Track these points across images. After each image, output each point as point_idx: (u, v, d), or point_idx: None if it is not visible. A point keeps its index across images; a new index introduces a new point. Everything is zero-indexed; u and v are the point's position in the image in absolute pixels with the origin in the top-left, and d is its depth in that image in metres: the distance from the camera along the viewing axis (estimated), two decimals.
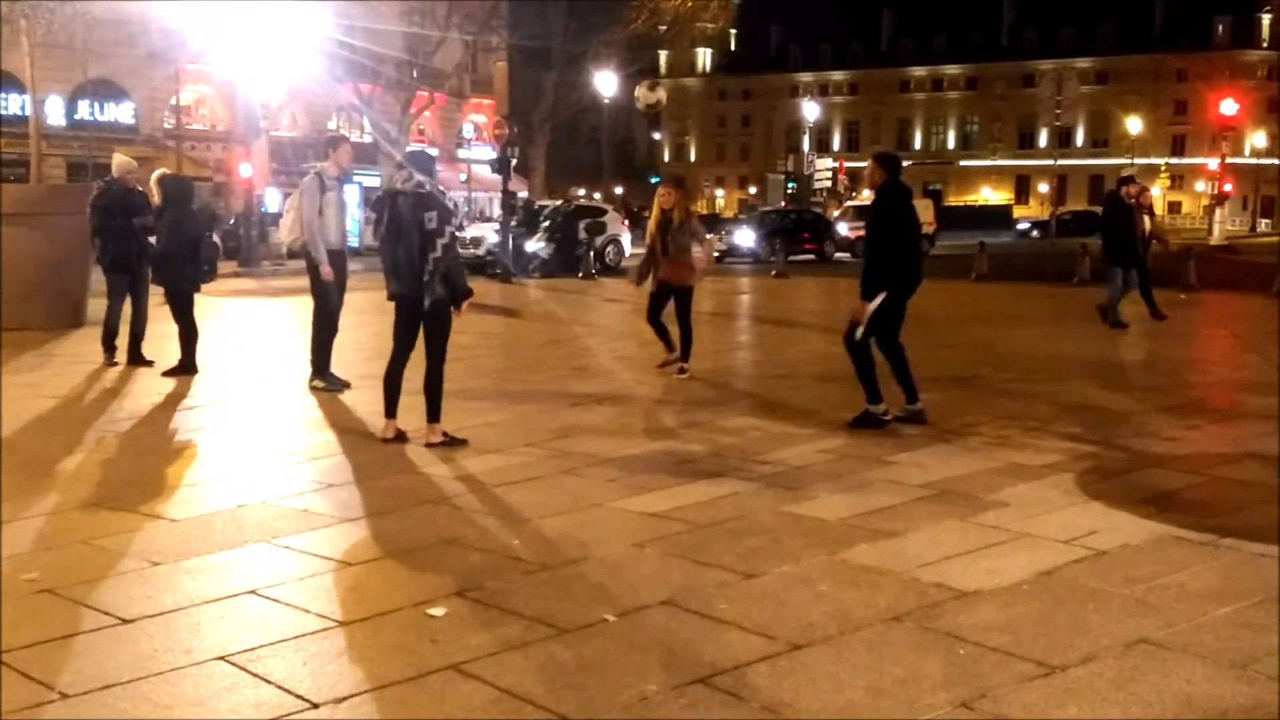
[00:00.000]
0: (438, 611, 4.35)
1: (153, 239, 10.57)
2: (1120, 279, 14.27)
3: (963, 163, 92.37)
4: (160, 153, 37.53)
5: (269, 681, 3.76)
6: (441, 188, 7.32)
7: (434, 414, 7.33)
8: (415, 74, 41.62)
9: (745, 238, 35.13)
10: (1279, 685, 3.65)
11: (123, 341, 10.84)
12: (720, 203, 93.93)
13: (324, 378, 9.44)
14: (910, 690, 3.65)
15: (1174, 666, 3.81)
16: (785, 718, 3.48)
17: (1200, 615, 4.27)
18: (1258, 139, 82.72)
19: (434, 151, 48.78)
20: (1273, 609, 4.33)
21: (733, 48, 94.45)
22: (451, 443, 7.25)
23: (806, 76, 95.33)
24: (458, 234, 7.19)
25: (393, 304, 7.39)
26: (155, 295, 10.82)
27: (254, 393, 9.71)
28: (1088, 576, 4.73)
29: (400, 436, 7.39)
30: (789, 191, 52.36)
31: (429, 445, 7.21)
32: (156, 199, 10.53)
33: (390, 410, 7.45)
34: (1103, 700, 3.57)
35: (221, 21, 30.93)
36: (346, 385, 9.36)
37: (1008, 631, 4.12)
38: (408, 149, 8.17)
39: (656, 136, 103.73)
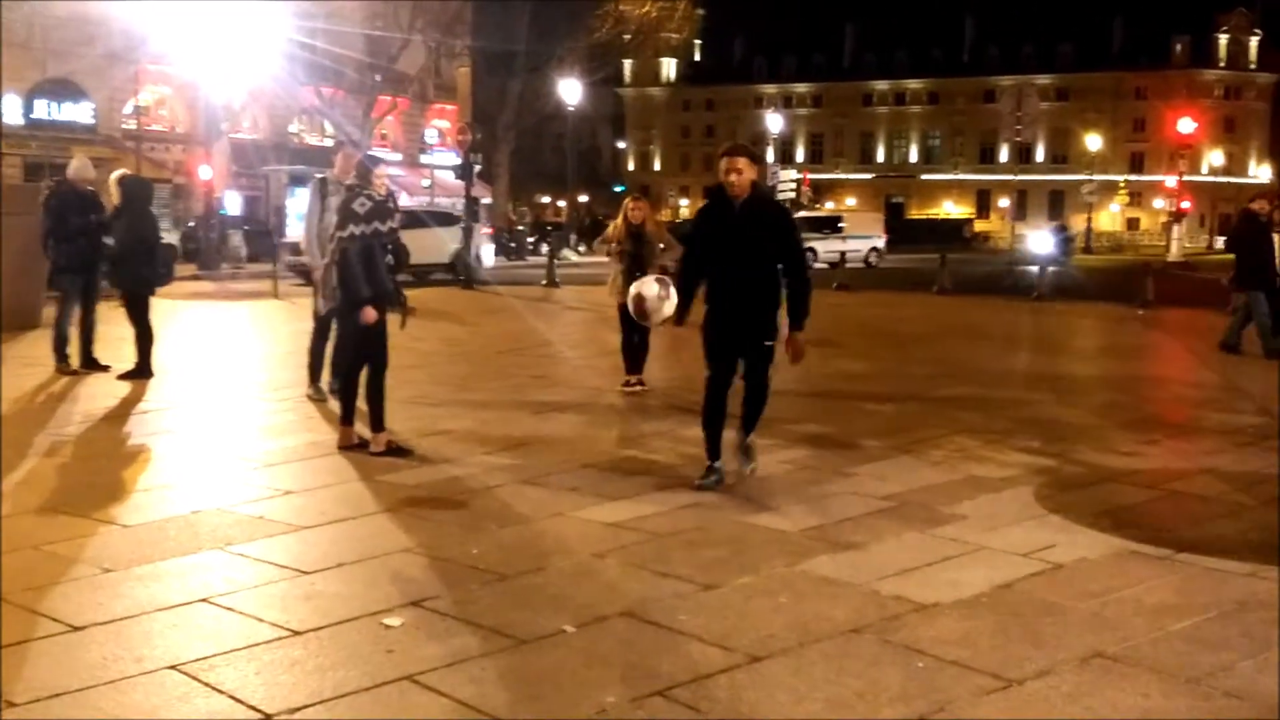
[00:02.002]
0: (394, 621, 4.30)
1: (107, 239, 10.42)
2: (1261, 304, 12.83)
3: (924, 176, 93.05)
4: (119, 153, 37.01)
5: (221, 691, 3.70)
6: (378, 193, 7.17)
7: (375, 423, 7.24)
8: (378, 78, 41.43)
9: None
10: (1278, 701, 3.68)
11: (75, 348, 10.68)
12: (685, 213, 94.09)
13: (314, 385, 9.24)
14: (869, 703, 3.65)
15: (1130, 681, 3.83)
16: None
17: (1156, 630, 4.29)
18: (1215, 157, 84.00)
19: (397, 156, 48.28)
20: (1228, 623, 4.37)
21: (697, 58, 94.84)
22: (395, 453, 7.14)
23: (770, 88, 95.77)
24: (359, 236, 6.99)
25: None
26: (113, 297, 10.67)
27: (211, 397, 9.60)
28: (1045, 590, 4.75)
29: (360, 444, 7.30)
30: None
31: (372, 454, 7.14)
32: (116, 199, 10.40)
33: (346, 417, 7.39)
34: (1059, 714, 3.59)
35: (183, 23, 30.65)
36: (323, 399, 9.19)
37: (966, 645, 4.13)
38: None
39: (621, 146, 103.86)
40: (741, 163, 6.27)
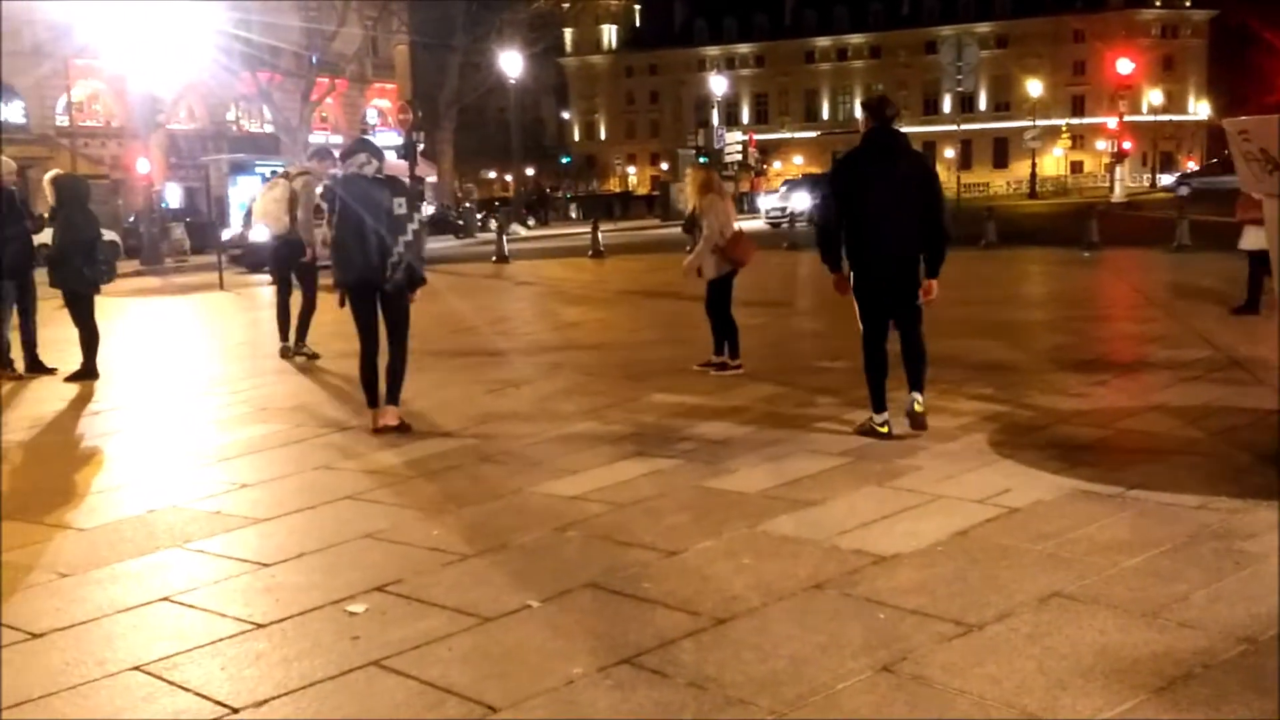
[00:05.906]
0: (357, 608, 4.29)
1: (38, 240, 10.26)
2: None
3: None
4: (53, 151, 36.37)
5: (186, 689, 3.68)
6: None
7: (394, 397, 7.36)
8: (315, 60, 40.89)
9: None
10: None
11: (18, 352, 10.51)
12: (633, 180, 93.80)
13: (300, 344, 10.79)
14: (833, 657, 3.69)
15: (1087, 618, 3.89)
16: (711, 692, 3.49)
17: (1111, 567, 4.36)
18: (1154, 96, 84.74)
19: (338, 139, 48.05)
20: (1180, 556, 4.45)
21: (638, 23, 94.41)
22: (403, 429, 7.27)
23: (713, 50, 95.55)
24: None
25: (337, 294, 7.40)
26: (55, 299, 10.51)
27: (161, 394, 9.50)
28: (1001, 534, 4.82)
29: (396, 425, 7.31)
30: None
31: (379, 430, 7.22)
32: (51, 200, 10.23)
33: (373, 400, 7.39)
34: (1019, 655, 3.64)
35: (109, 15, 30.06)
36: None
37: (925, 593, 4.18)
38: (360, 136, 8.37)
39: (565, 116, 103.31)
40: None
